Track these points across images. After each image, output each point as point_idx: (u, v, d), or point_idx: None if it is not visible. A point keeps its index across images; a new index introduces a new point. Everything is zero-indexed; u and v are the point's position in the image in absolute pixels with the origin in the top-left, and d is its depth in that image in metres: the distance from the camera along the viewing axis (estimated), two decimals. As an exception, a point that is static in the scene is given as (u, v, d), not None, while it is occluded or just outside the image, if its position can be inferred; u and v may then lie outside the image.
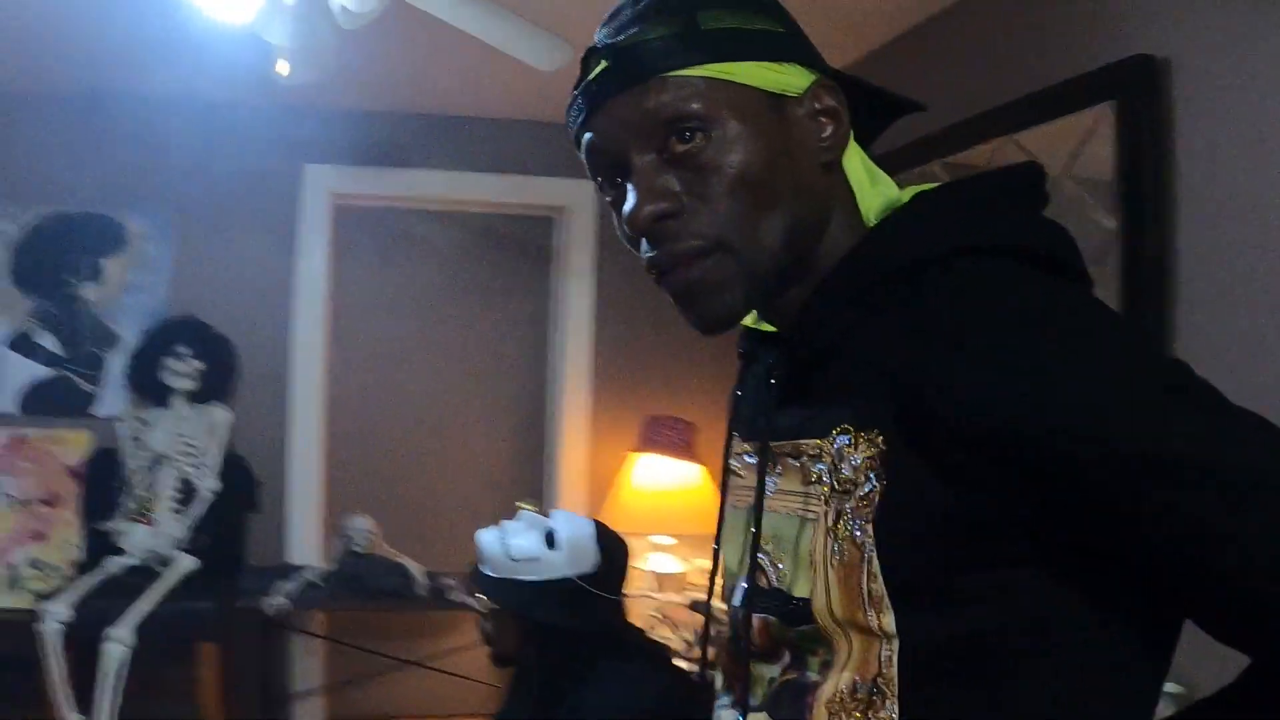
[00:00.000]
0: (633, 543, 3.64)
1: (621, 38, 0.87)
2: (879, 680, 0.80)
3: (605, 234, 4.11)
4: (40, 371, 3.70)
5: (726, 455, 1.01)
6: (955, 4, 2.82)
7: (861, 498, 0.79)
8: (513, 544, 2.00)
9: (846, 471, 0.81)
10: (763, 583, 0.88)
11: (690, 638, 3.45)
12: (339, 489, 3.97)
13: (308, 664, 3.85)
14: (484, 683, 3.55)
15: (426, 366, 4.17)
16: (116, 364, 3.72)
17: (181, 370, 3.56)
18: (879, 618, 0.79)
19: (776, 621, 0.87)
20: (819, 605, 0.82)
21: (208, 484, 3.49)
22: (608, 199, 0.91)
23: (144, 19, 2.76)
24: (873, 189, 0.91)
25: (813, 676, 0.85)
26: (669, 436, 3.83)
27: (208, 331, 3.67)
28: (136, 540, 3.36)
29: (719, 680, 0.99)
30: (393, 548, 3.68)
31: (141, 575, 3.28)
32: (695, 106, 0.84)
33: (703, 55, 0.85)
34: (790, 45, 0.88)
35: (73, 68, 3.42)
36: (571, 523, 2.05)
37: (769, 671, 0.89)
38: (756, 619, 0.89)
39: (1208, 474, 0.70)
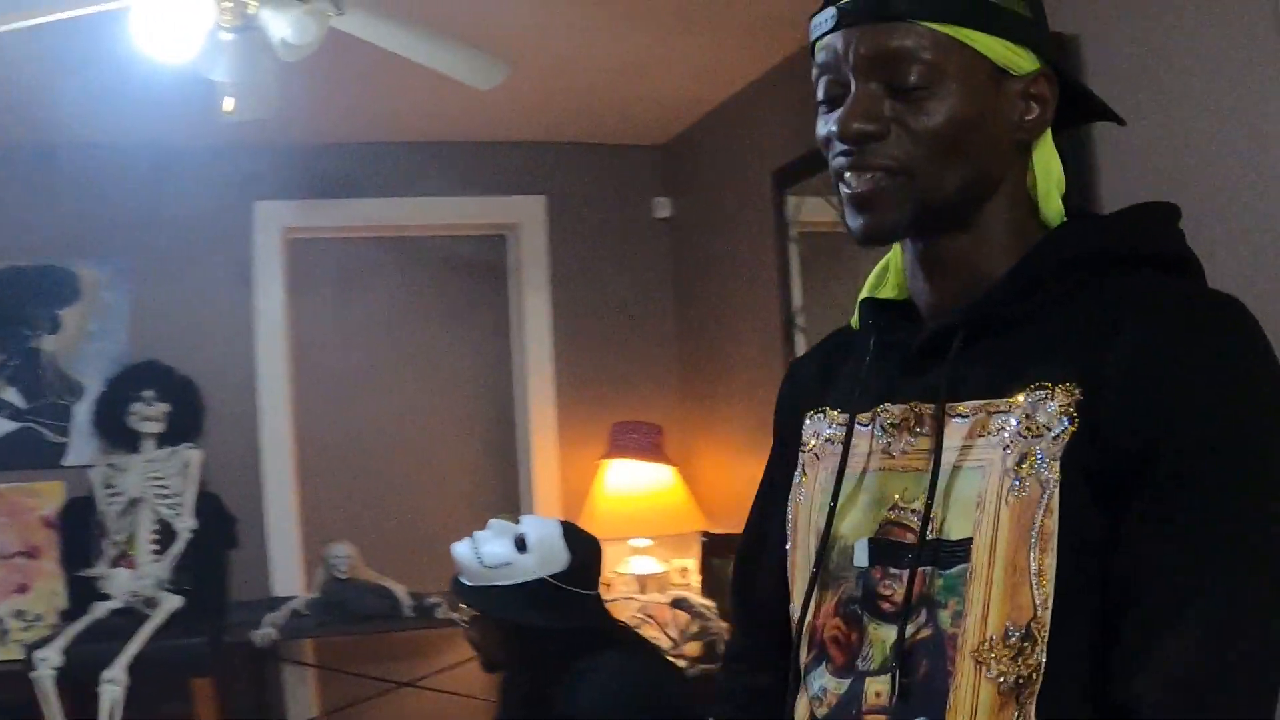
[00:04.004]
0: (611, 547, 3.74)
1: None
2: (1032, 625, 0.84)
3: (558, 248, 4.18)
4: (7, 426, 3.72)
5: (811, 427, 1.09)
6: None
7: (1054, 438, 0.87)
8: (484, 551, 2.06)
9: (1041, 418, 0.88)
10: (907, 539, 0.93)
11: (676, 636, 3.51)
12: (317, 518, 3.99)
13: (302, 693, 3.88)
14: (477, 698, 3.59)
15: (392, 391, 4.20)
16: (83, 413, 3.74)
17: (148, 414, 3.60)
18: (1040, 558, 0.85)
19: (933, 570, 0.91)
20: (980, 542, 0.88)
21: (185, 523, 3.53)
22: (818, 100, 0.99)
23: (91, 67, 2.79)
24: (1053, 178, 1.00)
25: (947, 630, 0.89)
26: (637, 440, 3.90)
27: (171, 374, 3.70)
28: (120, 584, 3.39)
29: (804, 652, 1.01)
30: (376, 571, 3.72)
31: (128, 617, 3.31)
32: (931, 58, 0.93)
33: (955, 15, 0.93)
34: (1030, 31, 0.96)
35: (22, 121, 3.44)
36: (540, 525, 2.11)
37: (888, 634, 0.92)
38: (919, 572, 0.91)
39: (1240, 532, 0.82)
